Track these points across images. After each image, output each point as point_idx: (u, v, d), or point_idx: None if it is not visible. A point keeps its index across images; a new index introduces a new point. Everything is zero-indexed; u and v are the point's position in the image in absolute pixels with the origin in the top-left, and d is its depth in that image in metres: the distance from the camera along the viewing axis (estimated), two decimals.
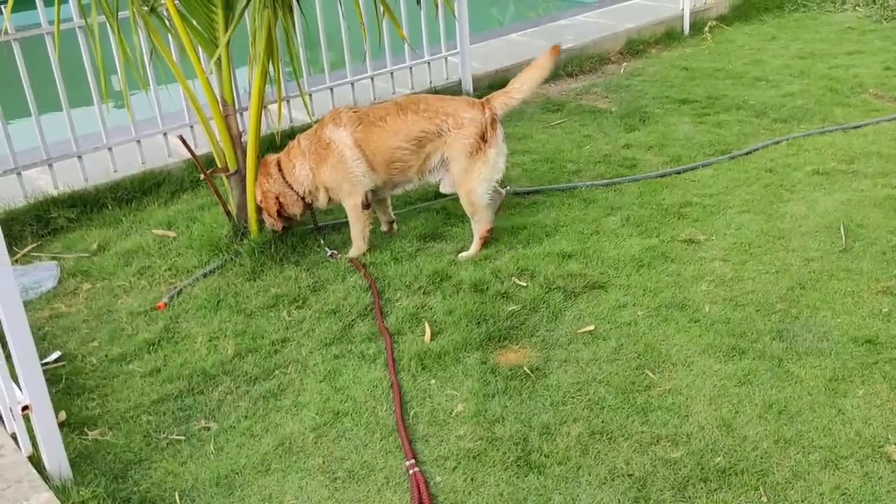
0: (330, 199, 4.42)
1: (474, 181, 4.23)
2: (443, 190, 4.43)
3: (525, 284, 4.05)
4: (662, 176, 5.17)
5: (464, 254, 4.34)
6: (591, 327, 3.72)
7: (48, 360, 3.74)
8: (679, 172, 5.22)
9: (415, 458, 3.01)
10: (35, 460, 2.92)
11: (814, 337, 3.56)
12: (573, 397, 3.29)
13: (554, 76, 7.24)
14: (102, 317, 4.10)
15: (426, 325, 3.79)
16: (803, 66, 7.15)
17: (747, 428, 3.08)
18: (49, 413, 2.84)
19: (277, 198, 4.36)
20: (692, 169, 5.25)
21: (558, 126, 6.18)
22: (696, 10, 8.37)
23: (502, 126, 4.31)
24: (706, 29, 8.30)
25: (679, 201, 4.81)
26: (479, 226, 4.33)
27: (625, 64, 7.63)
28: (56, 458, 2.88)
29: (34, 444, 2.94)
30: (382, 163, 4.25)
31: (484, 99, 4.30)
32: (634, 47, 7.89)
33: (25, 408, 2.80)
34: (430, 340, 3.70)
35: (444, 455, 3.04)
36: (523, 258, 4.26)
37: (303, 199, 4.39)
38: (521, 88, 4.27)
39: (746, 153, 5.44)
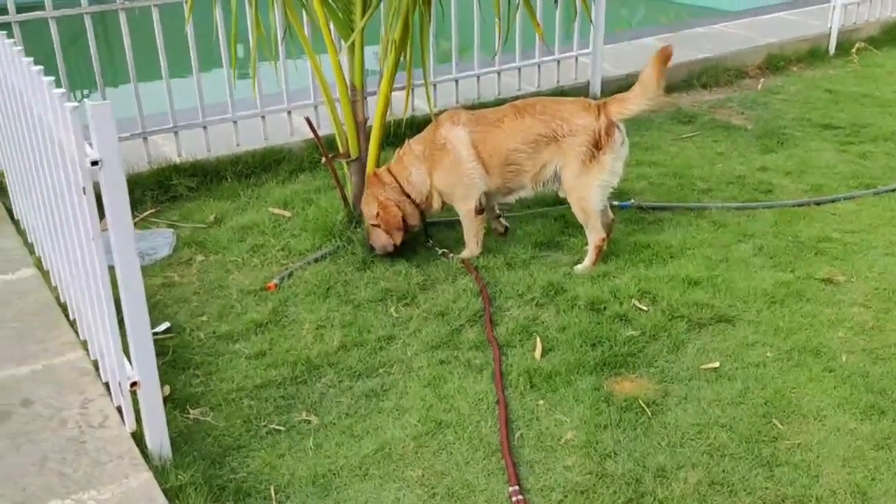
0: (443, 204, 4.30)
1: (587, 187, 4.06)
2: (562, 195, 4.25)
3: (646, 309, 3.83)
4: (800, 205, 4.84)
5: (579, 266, 4.17)
6: (716, 364, 3.48)
7: (157, 330, 3.74)
8: (819, 203, 4.87)
9: (518, 484, 2.85)
10: (137, 436, 2.90)
11: None
12: (692, 440, 3.07)
13: (687, 86, 6.94)
14: (213, 291, 4.09)
15: (538, 340, 3.62)
16: None
17: (885, 499, 2.80)
18: (156, 392, 2.81)
19: (398, 206, 4.20)
20: (833, 201, 4.90)
21: (689, 139, 5.89)
22: (844, 29, 7.88)
23: (622, 129, 4.08)
24: (853, 50, 7.80)
25: (818, 235, 4.49)
26: (593, 235, 4.15)
27: (763, 79, 7.24)
28: (158, 437, 2.85)
29: (138, 420, 2.91)
30: (498, 165, 4.12)
31: (601, 102, 4.12)
32: (775, 63, 7.47)
33: (134, 384, 2.77)
34: (541, 357, 3.53)
35: (549, 485, 2.87)
36: (645, 280, 4.04)
37: (418, 206, 4.26)
38: (640, 94, 4.03)
39: (893, 190, 5.04)
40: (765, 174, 5.28)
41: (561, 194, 4.26)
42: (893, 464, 2.95)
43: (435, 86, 5.79)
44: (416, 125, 5.46)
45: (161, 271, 4.27)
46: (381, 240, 4.24)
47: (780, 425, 3.14)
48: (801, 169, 5.34)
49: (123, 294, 2.69)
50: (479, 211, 4.23)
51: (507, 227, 4.56)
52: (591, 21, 5.84)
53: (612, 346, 3.56)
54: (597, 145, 4.00)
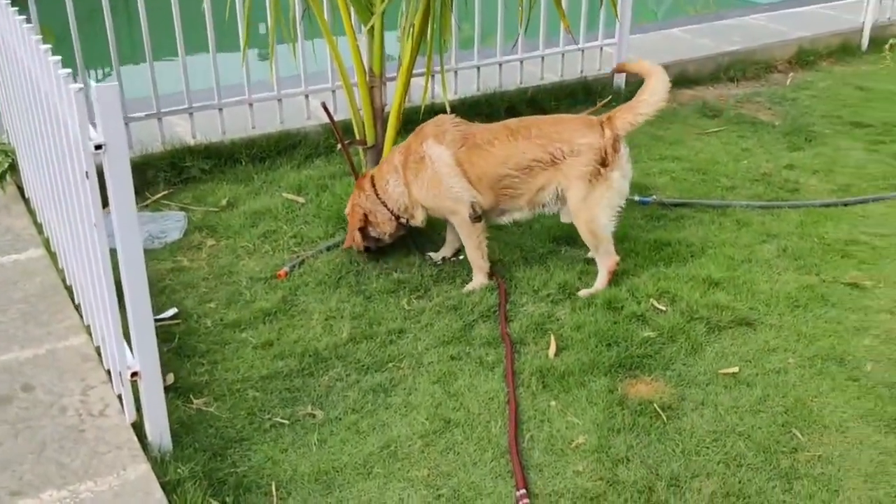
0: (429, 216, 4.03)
1: (595, 209, 3.74)
2: (563, 220, 3.96)
3: (664, 309, 3.72)
4: (828, 206, 4.70)
5: (585, 290, 3.84)
6: (735, 369, 3.37)
7: (164, 315, 3.68)
8: (846, 204, 4.73)
9: (526, 488, 2.76)
10: (137, 426, 2.83)
11: None
12: (708, 447, 2.97)
13: (713, 79, 6.78)
14: (223, 277, 4.02)
15: (552, 338, 3.52)
16: None
17: None
18: (158, 382, 2.74)
19: (366, 215, 3.99)
20: (862, 202, 4.75)
21: (714, 134, 5.75)
22: (877, 25, 7.67)
23: (626, 144, 3.80)
24: (887, 47, 7.55)
25: (844, 237, 4.35)
26: (605, 259, 3.84)
27: (792, 74, 7.06)
28: (158, 428, 2.79)
29: (138, 409, 2.85)
30: (488, 188, 3.80)
31: (605, 116, 3.78)
32: (805, 57, 7.28)
33: (135, 374, 2.70)
34: (555, 356, 3.43)
35: (558, 490, 2.78)
36: (664, 279, 3.92)
37: (397, 217, 4.00)
38: (649, 102, 3.73)
39: None
40: (791, 172, 5.13)
41: (563, 218, 3.95)
42: None
43: (456, 73, 5.67)
44: (437, 112, 5.34)
45: (171, 255, 4.20)
46: (350, 236, 4.08)
47: (800, 436, 3.03)
48: (829, 168, 5.19)
49: (125, 283, 2.62)
50: (477, 218, 3.85)
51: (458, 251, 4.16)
52: (616, 14, 5.68)
53: (628, 347, 3.46)
54: (604, 163, 3.70)
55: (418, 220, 4.01)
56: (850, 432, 3.05)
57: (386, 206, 3.98)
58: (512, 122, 3.93)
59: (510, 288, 3.89)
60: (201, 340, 3.56)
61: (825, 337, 3.56)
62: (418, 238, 4.25)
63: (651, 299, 3.78)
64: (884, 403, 3.18)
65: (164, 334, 3.56)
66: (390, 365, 3.41)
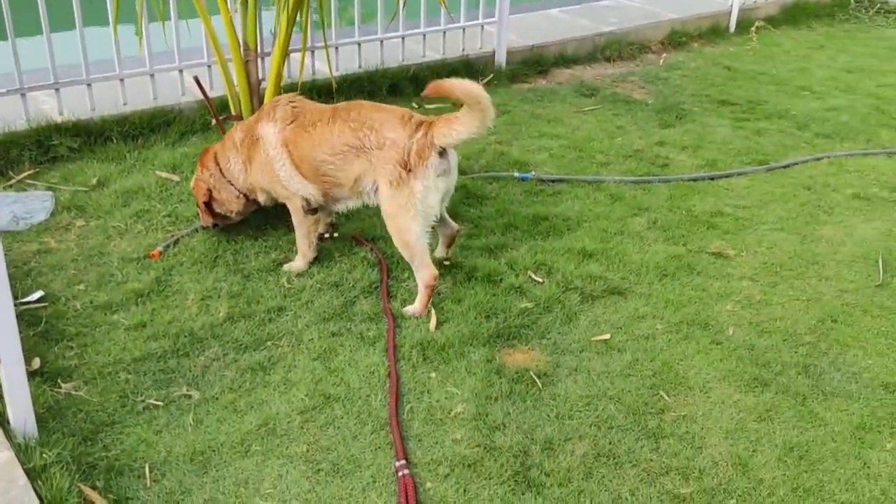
0: (273, 200, 3.88)
1: (403, 217, 3.44)
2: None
3: (541, 281, 3.81)
4: (695, 180, 4.91)
5: (409, 307, 3.57)
6: (607, 336, 3.49)
7: (30, 298, 3.52)
8: (713, 178, 4.95)
9: (406, 458, 2.80)
10: (0, 414, 2.71)
11: (842, 377, 3.33)
12: (580, 412, 3.07)
13: (591, 59, 6.96)
14: (93, 258, 3.87)
15: (432, 311, 3.55)
16: (850, 81, 6.84)
17: (764, 470, 2.86)
18: (20, 366, 2.62)
19: (210, 191, 3.87)
20: (727, 176, 4.99)
21: (591, 112, 5.90)
22: (744, 8, 8.03)
23: (449, 158, 3.46)
24: (752, 29, 7.96)
25: (710, 209, 4.56)
26: (421, 272, 3.51)
27: (665, 55, 7.32)
28: (22, 413, 2.67)
29: (0, 397, 2.72)
30: (310, 173, 3.62)
31: (430, 119, 3.44)
32: (676, 39, 7.56)
33: None
34: (435, 329, 3.47)
35: (437, 459, 2.82)
36: (541, 251, 4.02)
37: (245, 196, 3.88)
38: (467, 127, 3.30)
39: (785, 166, 5.17)
40: (662, 149, 5.33)
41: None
42: (774, 435, 3.02)
43: (337, 49, 5.62)
44: (318, 88, 5.31)
45: (37, 236, 4.02)
46: (200, 210, 4.01)
47: (666, 397, 3.17)
48: (697, 144, 5.42)
49: None
50: (311, 210, 3.74)
51: (331, 231, 4.08)
52: None
53: (506, 318, 3.53)
54: (405, 165, 3.38)
55: (262, 200, 3.89)
56: (712, 392, 3.21)
57: (232, 184, 3.86)
58: (342, 104, 3.72)
59: (391, 264, 3.90)
60: (70, 323, 3.43)
61: (691, 304, 3.73)
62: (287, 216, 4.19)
63: (529, 272, 3.87)
64: (744, 365, 3.37)
65: (30, 318, 3.41)
66: (269, 343, 3.37)
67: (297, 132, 3.62)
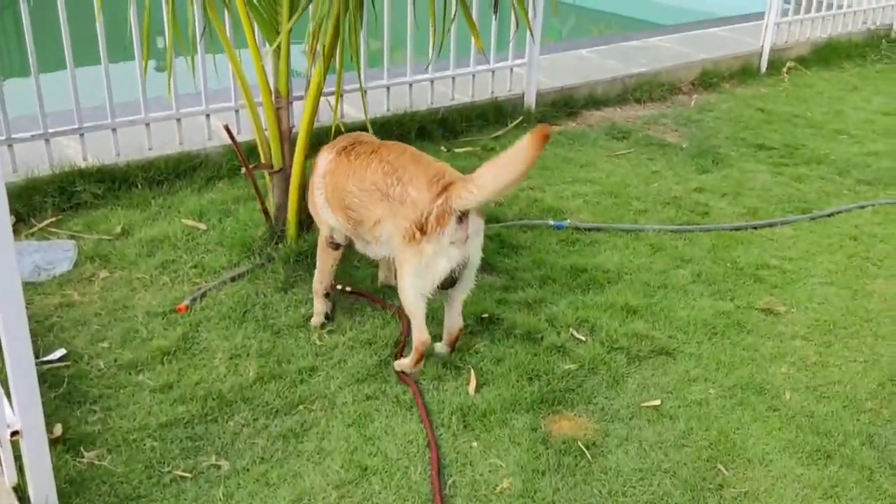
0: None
1: (405, 276, 3.29)
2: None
3: (584, 339, 3.64)
4: (737, 229, 4.74)
5: (399, 362, 3.44)
6: (657, 402, 3.30)
7: (51, 357, 3.37)
8: (755, 228, 4.78)
9: None
10: (20, 489, 2.54)
11: None
12: (634, 487, 2.88)
13: (621, 101, 6.82)
14: (117, 312, 3.73)
15: (472, 373, 3.38)
16: (888, 124, 6.67)
17: None
18: (42, 440, 2.47)
19: None
20: (770, 225, 4.81)
21: (624, 157, 5.75)
22: (775, 48, 7.90)
23: (468, 225, 3.23)
24: (784, 69, 7.83)
25: (756, 261, 4.38)
26: (414, 333, 3.36)
27: (696, 96, 7.18)
28: (44, 490, 2.51)
29: (20, 469, 2.56)
30: (337, 205, 3.50)
31: (448, 182, 3.22)
32: (708, 79, 7.42)
33: (15, 433, 2.42)
34: (475, 393, 3.29)
35: None
36: (583, 307, 3.85)
37: None
38: (485, 186, 3.10)
39: (829, 215, 4.99)
40: (701, 195, 5.16)
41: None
42: None
43: (365, 92, 5.48)
44: (347, 133, 5.17)
45: (59, 288, 3.88)
46: None
47: (725, 471, 2.98)
48: (737, 191, 5.25)
49: (2, 328, 2.34)
50: (335, 246, 3.66)
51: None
52: (530, 32, 5.61)
53: (549, 381, 3.35)
54: (421, 228, 3.20)
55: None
56: (773, 465, 3.01)
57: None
58: (389, 143, 3.61)
59: (427, 321, 3.72)
60: (93, 384, 3.27)
61: (743, 365, 3.54)
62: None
63: (571, 329, 3.69)
64: (804, 434, 3.17)
65: (52, 379, 3.26)
66: (301, 407, 3.20)
67: (341, 161, 3.52)
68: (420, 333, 3.34)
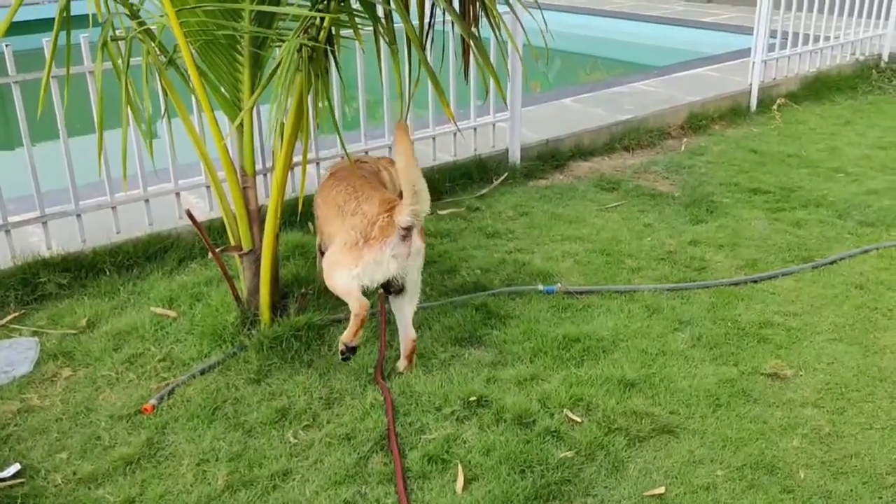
0: None
1: (339, 272, 3.50)
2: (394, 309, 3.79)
3: (579, 420, 3.38)
4: (736, 284, 4.50)
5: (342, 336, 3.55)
6: (661, 490, 3.04)
7: (5, 474, 3.12)
8: (755, 281, 4.54)
9: None
10: None
11: None
12: None
13: (609, 150, 6.64)
14: (79, 417, 3.48)
15: (459, 468, 3.12)
16: (885, 159, 6.49)
17: None
18: None
19: None
20: (771, 278, 4.58)
21: (614, 209, 5.55)
22: (764, 86, 7.75)
23: (407, 241, 3.48)
24: (774, 107, 7.68)
25: (758, 319, 4.14)
26: (351, 304, 3.49)
27: (685, 140, 7.01)
28: None
29: None
30: (321, 221, 3.96)
31: (395, 204, 3.51)
32: (696, 122, 7.26)
33: None
34: (463, 490, 3.03)
35: None
36: (577, 383, 3.60)
37: None
38: (409, 191, 3.38)
39: (831, 262, 4.76)
40: (696, 248, 4.94)
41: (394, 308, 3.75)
42: None
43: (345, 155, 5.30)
44: None
45: (19, 392, 3.64)
46: None
47: None
48: (734, 241, 5.03)
49: None
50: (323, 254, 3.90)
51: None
52: (504, 98, 5.40)
53: (543, 473, 3.09)
54: (365, 237, 3.47)
55: None
56: None
57: None
58: (368, 163, 4.21)
59: (410, 406, 3.49)
60: (49, 503, 3.01)
61: (752, 441, 3.28)
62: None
63: (565, 409, 3.44)
64: None
65: (4, 500, 3.01)
66: None
67: (327, 181, 4.02)
68: (357, 300, 3.44)
